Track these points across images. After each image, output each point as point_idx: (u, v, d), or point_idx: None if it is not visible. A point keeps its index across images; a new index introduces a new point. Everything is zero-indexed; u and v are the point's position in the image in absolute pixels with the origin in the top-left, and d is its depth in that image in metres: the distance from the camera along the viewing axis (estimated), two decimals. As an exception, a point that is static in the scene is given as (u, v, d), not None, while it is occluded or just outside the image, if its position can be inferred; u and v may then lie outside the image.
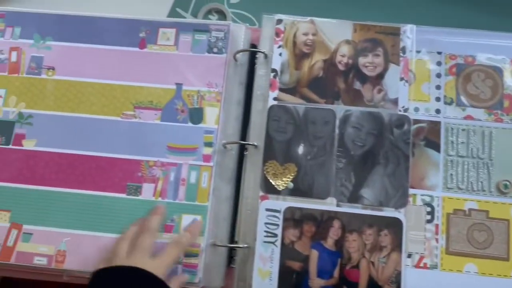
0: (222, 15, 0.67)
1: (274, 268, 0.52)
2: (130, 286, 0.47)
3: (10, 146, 0.59)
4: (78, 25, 0.63)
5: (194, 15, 0.67)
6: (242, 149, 0.58)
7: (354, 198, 0.53)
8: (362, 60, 0.57)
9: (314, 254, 0.52)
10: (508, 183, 0.53)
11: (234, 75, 0.60)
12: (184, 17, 0.67)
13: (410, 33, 0.57)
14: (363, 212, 0.53)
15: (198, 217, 0.55)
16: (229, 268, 0.55)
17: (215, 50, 0.61)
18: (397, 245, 0.52)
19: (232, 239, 0.55)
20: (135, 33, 0.62)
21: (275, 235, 0.53)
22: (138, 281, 0.48)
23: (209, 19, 0.68)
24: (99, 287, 0.48)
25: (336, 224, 0.53)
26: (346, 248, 0.52)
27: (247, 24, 0.61)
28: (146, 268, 0.48)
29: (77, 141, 0.58)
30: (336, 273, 0.51)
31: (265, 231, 0.53)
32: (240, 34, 0.62)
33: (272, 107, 0.56)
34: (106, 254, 0.53)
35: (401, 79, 0.56)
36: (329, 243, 0.52)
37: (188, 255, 0.54)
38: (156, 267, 0.49)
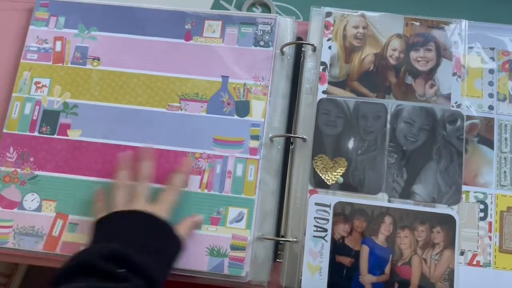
0: (266, 8, 0.67)
1: (324, 263, 0.51)
2: (136, 228, 0.48)
3: (55, 136, 0.59)
4: (123, 16, 0.62)
5: (238, 7, 0.67)
6: (288, 143, 0.57)
7: (406, 194, 0.52)
8: (413, 55, 0.56)
9: (365, 250, 0.51)
10: None
11: (280, 68, 0.60)
12: (228, 10, 0.67)
13: (462, 28, 0.56)
14: (415, 208, 0.52)
15: (245, 210, 0.54)
16: (274, 263, 0.54)
17: (261, 43, 0.60)
18: (450, 242, 0.51)
19: (278, 233, 0.55)
20: (181, 24, 0.62)
21: (325, 230, 0.52)
22: (143, 222, 0.49)
23: (253, 12, 0.67)
24: (104, 234, 0.49)
25: (388, 220, 0.52)
26: (398, 244, 0.51)
27: (293, 17, 0.61)
28: None
29: (122, 132, 0.58)
30: (387, 269, 0.51)
31: (315, 226, 0.52)
32: (287, 27, 0.61)
33: (321, 100, 0.56)
34: (103, 204, 0.54)
35: (454, 74, 0.55)
36: (380, 239, 0.52)
37: (235, 248, 0.53)
38: (157, 211, 0.50)
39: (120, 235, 0.48)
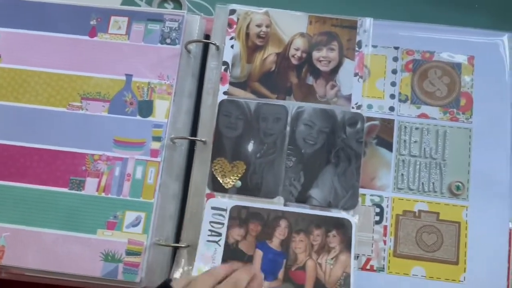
0: (178, 4, 0.65)
1: (217, 268, 0.50)
2: None
3: (-49, 137, 0.57)
4: (28, 11, 0.60)
5: (149, 3, 0.65)
6: (193, 145, 0.56)
7: (303, 197, 0.51)
8: (316, 54, 0.55)
9: (258, 254, 0.51)
10: (460, 184, 0.52)
11: (186, 67, 0.58)
12: (139, 5, 0.65)
13: (367, 27, 0.55)
14: (311, 212, 0.51)
15: (142, 214, 0.53)
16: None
17: (168, 40, 0.58)
18: (346, 247, 0.50)
19: (178, 239, 0.54)
20: (86, 20, 0.60)
21: (219, 234, 0.51)
22: None
23: (165, 8, 0.65)
24: None
25: (283, 223, 0.51)
26: (293, 248, 0.50)
27: (202, 14, 0.59)
28: None
29: (20, 132, 0.56)
30: (280, 274, 0.50)
31: (210, 230, 0.51)
32: (195, 24, 0.59)
33: (222, 101, 0.54)
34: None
35: (356, 74, 0.54)
36: (275, 243, 0.51)
37: (130, 253, 0.52)
38: None
39: None
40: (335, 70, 0.54)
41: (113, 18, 0.60)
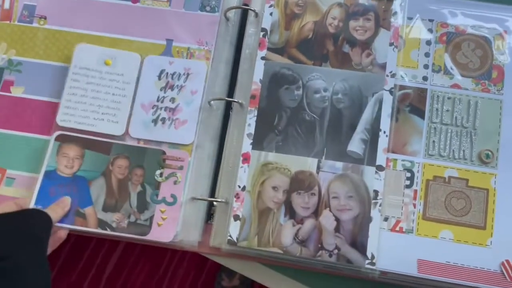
0: (218, -26, 0.67)
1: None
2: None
3: (-2, 92, 0.59)
4: (72, -24, 0.63)
5: (190, -27, 0.67)
6: (228, 109, 0.58)
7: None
8: (352, 24, 0.56)
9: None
10: (490, 153, 0.53)
11: (225, 34, 0.60)
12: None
13: (403, -1, 0.57)
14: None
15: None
16: (208, 224, 0.55)
17: (207, 8, 0.61)
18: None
19: (212, 196, 0.56)
20: (129, -14, 0.62)
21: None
22: None
23: (204, -23, 0.67)
24: None
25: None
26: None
27: (241, -16, 0.61)
28: None
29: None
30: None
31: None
32: (234, -6, 0.61)
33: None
34: None
35: (391, 44, 0.56)
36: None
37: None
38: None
39: None
40: (371, 40, 0.56)
41: (155, -15, 0.62)
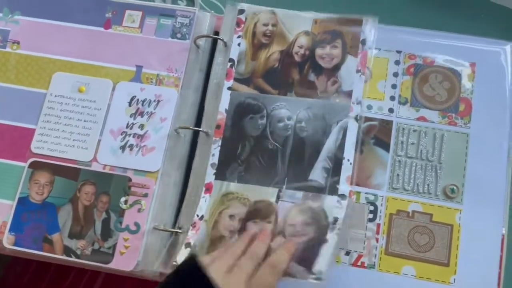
0: (190, 1, 0.67)
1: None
2: None
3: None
4: (47, 2, 0.63)
5: (163, 0, 0.67)
6: (196, 136, 0.58)
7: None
8: (319, 52, 0.56)
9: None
10: (455, 187, 0.52)
11: (195, 61, 0.60)
12: (153, 1, 0.67)
13: (372, 26, 0.56)
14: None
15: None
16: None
17: (178, 35, 0.61)
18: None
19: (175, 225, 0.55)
20: (102, 13, 0.62)
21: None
22: None
23: (178, 4, 0.68)
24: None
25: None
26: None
27: (212, 12, 0.61)
28: None
29: (31, 116, 0.59)
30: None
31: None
32: (205, 21, 0.61)
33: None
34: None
35: (358, 71, 0.55)
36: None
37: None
38: None
39: None
40: (337, 67, 0.55)
41: (127, 11, 0.62)
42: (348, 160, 0.53)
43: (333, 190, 0.52)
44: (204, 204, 0.53)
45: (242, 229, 0.51)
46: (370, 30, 0.56)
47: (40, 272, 0.84)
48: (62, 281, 1.05)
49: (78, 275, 1.06)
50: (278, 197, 0.52)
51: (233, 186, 0.53)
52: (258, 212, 0.52)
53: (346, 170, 0.52)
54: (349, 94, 0.55)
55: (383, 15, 0.58)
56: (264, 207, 0.52)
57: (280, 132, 0.54)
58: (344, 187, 0.52)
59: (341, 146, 0.53)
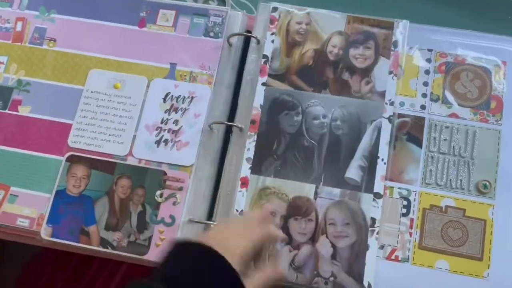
0: (222, 1, 0.69)
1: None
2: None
3: (7, 111, 0.61)
4: (83, 1, 0.65)
5: (195, 0, 0.69)
6: (229, 132, 0.59)
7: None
8: (352, 52, 0.57)
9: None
10: (487, 183, 0.53)
11: (227, 59, 0.61)
12: (185, 1, 0.69)
13: (403, 29, 0.58)
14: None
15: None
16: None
17: (211, 34, 0.62)
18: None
19: (209, 218, 0.56)
20: (136, 12, 0.64)
21: (250, 216, 0.53)
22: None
23: (209, 4, 0.69)
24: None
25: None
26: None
27: (244, 11, 0.62)
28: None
29: (69, 111, 0.60)
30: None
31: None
32: (237, 20, 0.63)
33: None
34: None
35: (390, 72, 0.56)
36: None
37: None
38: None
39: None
40: (370, 67, 0.57)
41: (161, 11, 0.64)
42: (383, 159, 0.54)
43: (369, 189, 0.53)
44: (241, 199, 0.54)
45: (284, 227, 0.53)
46: (402, 32, 0.57)
47: (57, 272, 0.85)
48: (78, 281, 1.06)
49: (95, 275, 1.07)
50: (315, 194, 0.53)
51: (269, 181, 0.54)
52: (298, 209, 0.53)
53: (381, 169, 0.53)
54: (382, 94, 0.56)
55: (412, 17, 0.59)
56: (303, 203, 0.53)
57: (316, 130, 0.55)
58: (379, 186, 0.53)
59: (375, 145, 0.54)
